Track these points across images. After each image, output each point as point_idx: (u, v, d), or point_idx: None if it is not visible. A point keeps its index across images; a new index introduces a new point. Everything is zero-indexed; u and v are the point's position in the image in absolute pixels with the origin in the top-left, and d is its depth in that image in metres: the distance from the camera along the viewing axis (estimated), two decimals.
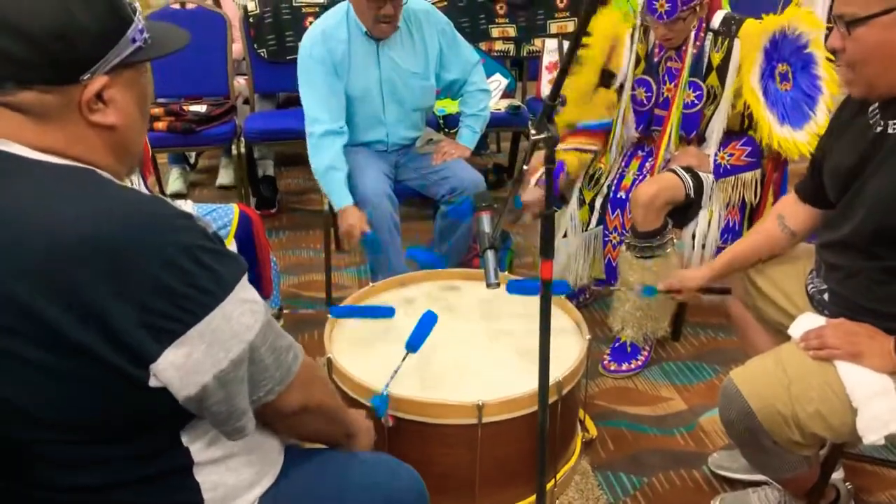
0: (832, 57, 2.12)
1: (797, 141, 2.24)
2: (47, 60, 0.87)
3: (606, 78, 2.52)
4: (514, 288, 1.82)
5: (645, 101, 2.43)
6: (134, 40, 0.93)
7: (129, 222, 0.86)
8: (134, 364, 0.85)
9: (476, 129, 2.74)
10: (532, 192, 2.38)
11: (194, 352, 0.87)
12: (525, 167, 1.29)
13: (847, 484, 1.83)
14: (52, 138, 0.90)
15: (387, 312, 1.85)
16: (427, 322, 1.64)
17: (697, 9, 2.24)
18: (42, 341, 0.84)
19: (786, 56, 2.27)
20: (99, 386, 0.86)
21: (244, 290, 0.92)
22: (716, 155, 2.36)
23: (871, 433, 1.39)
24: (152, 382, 0.87)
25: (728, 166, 2.35)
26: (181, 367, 0.87)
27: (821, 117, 2.24)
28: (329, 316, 1.83)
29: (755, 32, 2.25)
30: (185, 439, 0.96)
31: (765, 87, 2.26)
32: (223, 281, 0.89)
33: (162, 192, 3.71)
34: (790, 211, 1.76)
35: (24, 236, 0.84)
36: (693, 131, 2.38)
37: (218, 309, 0.88)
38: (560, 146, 2.50)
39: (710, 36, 2.31)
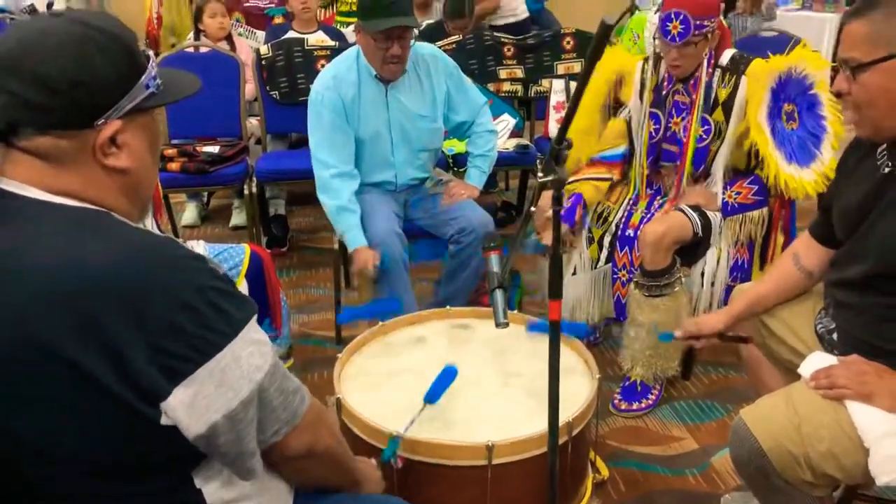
0: (833, 99, 2.16)
1: (804, 180, 2.25)
2: (65, 107, 0.90)
3: (617, 108, 2.57)
4: (534, 328, 1.83)
5: (654, 134, 2.46)
6: (147, 86, 0.96)
7: (145, 264, 0.89)
8: (145, 402, 0.87)
9: (484, 168, 2.77)
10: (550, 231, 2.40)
11: (203, 390, 0.88)
12: (532, 209, 1.31)
13: None
14: (68, 181, 0.93)
15: (392, 305, 1.87)
16: (447, 375, 1.65)
17: (709, 36, 2.27)
18: (59, 378, 0.85)
19: (792, 96, 2.29)
20: (111, 423, 0.88)
21: (253, 331, 0.94)
22: (723, 193, 2.37)
23: (884, 475, 1.37)
24: (163, 420, 0.88)
25: (736, 205, 2.36)
26: (190, 405, 0.88)
27: (826, 157, 2.26)
28: (337, 356, 1.84)
29: (762, 71, 2.29)
30: (197, 481, 0.97)
31: (772, 126, 2.28)
32: (234, 321, 0.91)
33: (174, 229, 3.76)
34: (805, 251, 1.75)
35: (44, 276, 0.86)
36: (700, 166, 2.40)
37: (227, 349, 0.90)
38: (576, 176, 2.54)
39: (718, 72, 2.35)
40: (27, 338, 0.85)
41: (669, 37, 2.26)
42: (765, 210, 2.38)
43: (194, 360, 0.88)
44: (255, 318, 0.95)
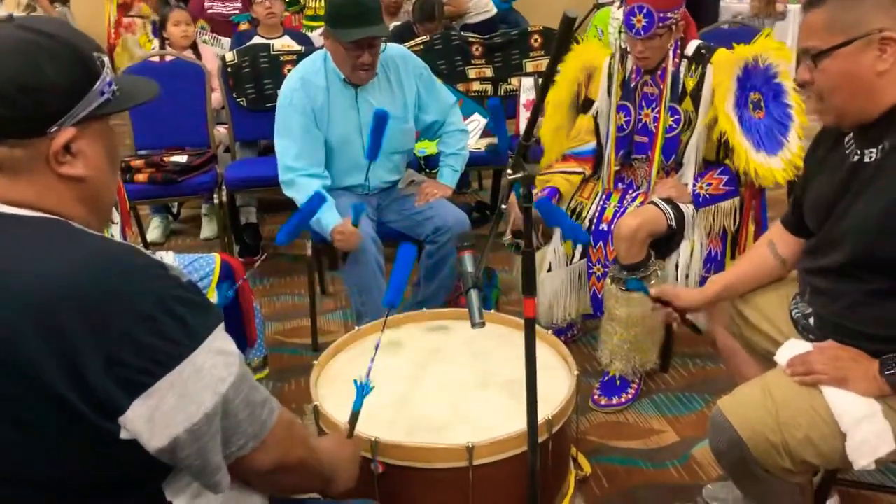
0: (798, 88, 2.18)
1: (773, 168, 2.27)
2: (14, 115, 0.87)
3: (586, 105, 2.58)
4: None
5: (625, 126, 2.47)
6: (102, 93, 0.93)
7: (102, 272, 0.86)
8: (103, 416, 0.84)
9: (456, 167, 2.77)
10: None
11: (163, 404, 0.85)
12: (504, 206, 1.30)
13: None
14: (23, 191, 0.90)
15: (318, 200, 1.85)
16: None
17: (673, 28, 2.29)
18: (22, 394, 0.83)
19: (758, 85, 2.32)
20: (73, 439, 0.85)
21: (218, 341, 0.91)
22: (694, 185, 2.39)
23: (861, 458, 1.38)
24: (123, 435, 0.85)
25: (707, 196, 2.37)
26: (150, 419, 0.85)
27: (793, 144, 2.29)
28: (313, 363, 1.81)
29: (727, 60, 2.31)
30: (168, 493, 0.94)
31: (740, 114, 2.30)
32: (195, 332, 0.88)
33: (144, 242, 3.70)
34: (780, 239, 1.77)
35: (3, 287, 0.83)
36: (671, 156, 2.41)
37: (188, 360, 0.87)
38: (549, 170, 2.55)
39: (684, 62, 2.36)
40: None
41: (634, 31, 2.27)
42: (736, 200, 2.39)
43: (153, 372, 0.85)
44: (220, 326, 0.92)
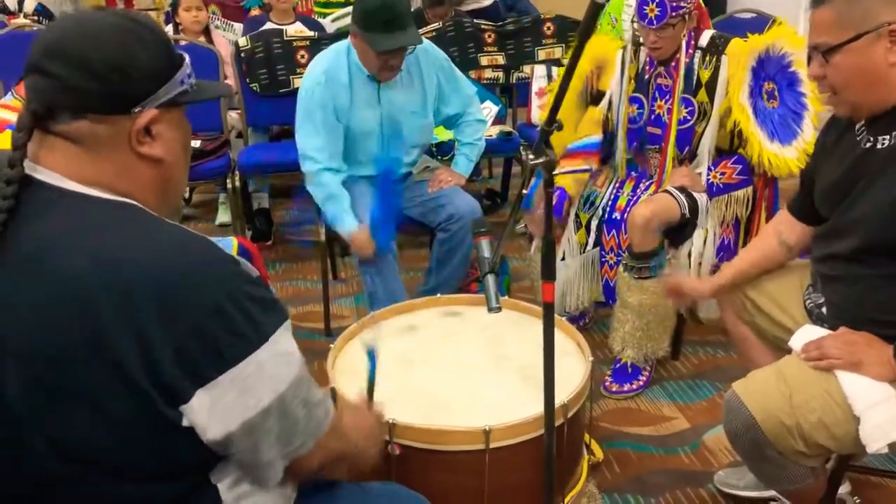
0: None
1: (787, 158, 2.27)
2: (104, 91, 0.91)
3: (596, 97, 2.57)
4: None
5: (637, 118, 2.47)
6: (182, 82, 0.99)
7: (182, 261, 0.88)
8: (167, 403, 0.86)
9: (472, 157, 2.77)
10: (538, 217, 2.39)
11: (224, 397, 0.88)
12: (524, 191, 1.31)
13: (855, 498, 1.83)
14: (102, 170, 0.93)
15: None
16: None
17: (686, 17, 2.29)
18: (101, 376, 0.84)
19: (772, 74, 2.31)
20: (140, 424, 0.87)
21: (282, 340, 0.93)
22: (708, 174, 2.39)
23: (874, 442, 1.40)
24: (184, 422, 0.87)
25: (720, 185, 2.38)
26: (210, 410, 0.87)
27: (808, 133, 2.29)
28: (329, 346, 1.83)
29: (742, 51, 2.30)
30: (213, 478, 0.96)
31: (754, 104, 2.30)
32: (261, 329, 0.90)
33: None
34: (786, 226, 1.78)
35: (82, 271, 0.85)
36: (686, 148, 2.41)
37: (252, 357, 0.89)
38: (555, 171, 2.54)
39: (698, 53, 2.36)
40: (68, 335, 0.84)
41: (647, 20, 2.26)
42: (749, 189, 2.39)
43: (218, 365, 0.87)
44: (286, 324, 0.94)
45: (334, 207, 2.49)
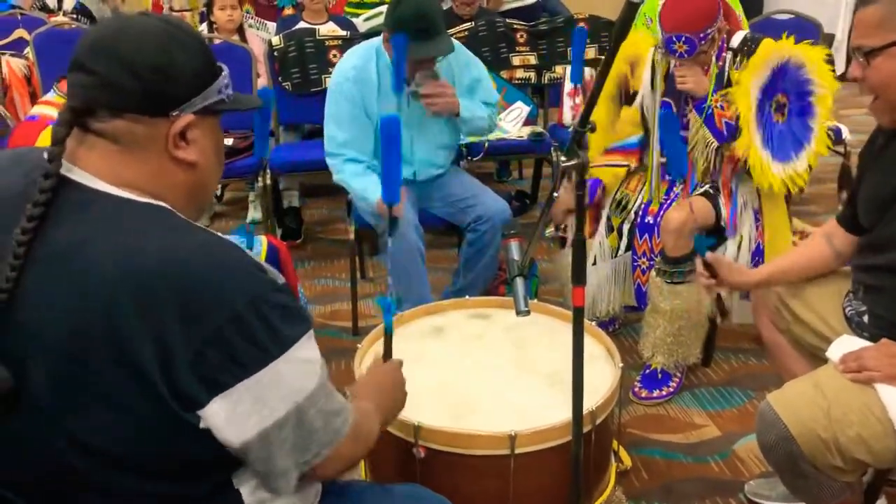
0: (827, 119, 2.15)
1: (770, 171, 2.21)
2: (144, 91, 0.92)
3: (632, 98, 2.53)
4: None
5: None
6: (220, 91, 1.00)
7: (204, 264, 0.89)
8: (183, 408, 0.86)
9: (472, 111, 2.62)
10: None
11: (239, 405, 0.88)
12: (555, 194, 1.29)
13: None
14: (135, 171, 0.94)
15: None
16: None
17: (716, 36, 2.24)
18: (118, 375, 0.85)
19: (789, 88, 2.25)
20: (158, 424, 0.87)
21: (303, 349, 0.93)
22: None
23: None
24: (202, 424, 0.88)
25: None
26: (227, 417, 0.87)
27: (800, 165, 2.23)
28: (357, 346, 1.83)
29: (773, 48, 2.25)
30: (235, 481, 0.96)
31: (760, 102, 2.25)
32: (281, 340, 0.90)
33: None
34: (835, 234, 1.75)
35: (111, 272, 0.85)
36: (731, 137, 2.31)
37: (271, 366, 0.89)
38: (593, 163, 2.51)
39: (729, 55, 2.31)
40: (90, 334, 0.85)
41: (678, 55, 2.23)
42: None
43: (235, 374, 0.87)
44: (308, 333, 0.94)
45: (363, 181, 2.48)
